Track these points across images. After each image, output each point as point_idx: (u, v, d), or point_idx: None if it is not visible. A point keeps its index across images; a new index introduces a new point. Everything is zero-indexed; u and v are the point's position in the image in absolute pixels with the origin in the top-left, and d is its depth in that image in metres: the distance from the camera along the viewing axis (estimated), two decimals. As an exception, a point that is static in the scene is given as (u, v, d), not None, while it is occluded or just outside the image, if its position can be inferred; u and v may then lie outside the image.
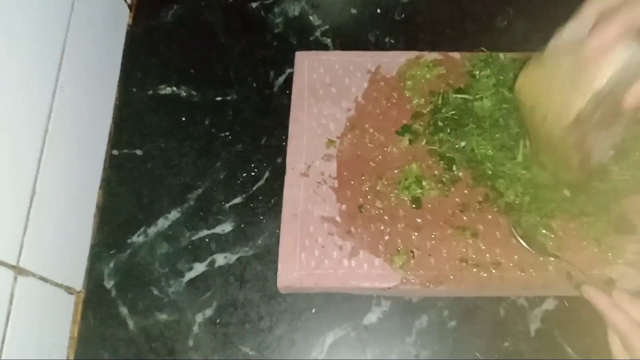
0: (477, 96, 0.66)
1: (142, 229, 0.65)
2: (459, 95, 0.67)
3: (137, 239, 0.65)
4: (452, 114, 0.66)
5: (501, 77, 0.66)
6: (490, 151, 0.63)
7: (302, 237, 0.62)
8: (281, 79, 0.73)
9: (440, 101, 0.67)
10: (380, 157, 0.66)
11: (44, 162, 0.56)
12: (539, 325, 0.60)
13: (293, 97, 0.69)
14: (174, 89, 0.72)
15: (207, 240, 0.65)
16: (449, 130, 0.65)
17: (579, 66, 0.49)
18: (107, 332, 0.61)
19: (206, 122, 0.70)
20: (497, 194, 0.62)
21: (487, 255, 0.61)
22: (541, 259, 0.60)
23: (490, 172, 0.63)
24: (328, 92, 0.70)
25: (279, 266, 0.61)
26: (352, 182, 0.65)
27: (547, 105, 0.53)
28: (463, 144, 0.65)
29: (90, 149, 0.67)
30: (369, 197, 0.64)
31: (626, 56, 0.47)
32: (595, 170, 0.59)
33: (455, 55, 0.71)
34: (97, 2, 0.69)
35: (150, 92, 0.72)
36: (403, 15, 0.77)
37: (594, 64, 0.48)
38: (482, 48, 0.70)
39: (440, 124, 0.66)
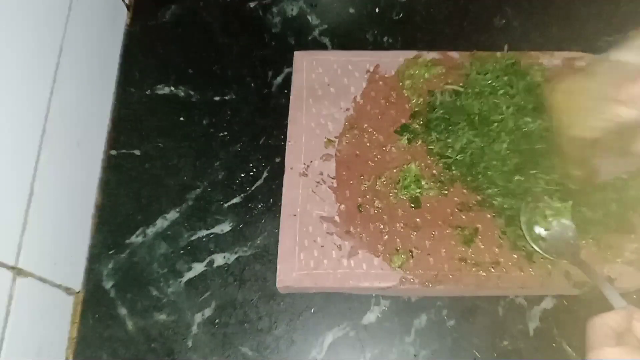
0: (469, 93, 0.65)
1: (140, 230, 0.65)
2: (448, 96, 0.66)
3: (136, 239, 0.65)
4: (442, 113, 0.65)
5: (497, 76, 0.66)
6: (480, 149, 0.63)
7: (301, 237, 0.62)
8: (279, 79, 0.73)
9: (437, 101, 0.67)
10: (379, 156, 0.66)
11: (41, 163, 0.56)
12: (538, 324, 0.60)
13: (292, 97, 0.69)
14: (172, 89, 0.72)
15: (205, 240, 0.64)
16: (441, 128, 0.65)
17: (615, 90, 0.49)
18: (106, 332, 0.61)
19: (204, 122, 0.70)
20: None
21: (486, 254, 0.61)
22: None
23: (480, 177, 0.63)
24: (327, 91, 0.70)
25: (278, 266, 0.61)
26: (351, 182, 0.64)
27: (575, 115, 0.53)
28: (455, 142, 0.64)
29: (88, 149, 0.67)
30: (367, 196, 0.64)
31: None
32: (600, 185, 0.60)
33: (454, 54, 0.71)
34: (95, 2, 0.69)
35: (149, 92, 0.72)
36: (401, 15, 0.77)
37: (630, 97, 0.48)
38: (481, 47, 0.70)
39: (432, 124, 0.66)
